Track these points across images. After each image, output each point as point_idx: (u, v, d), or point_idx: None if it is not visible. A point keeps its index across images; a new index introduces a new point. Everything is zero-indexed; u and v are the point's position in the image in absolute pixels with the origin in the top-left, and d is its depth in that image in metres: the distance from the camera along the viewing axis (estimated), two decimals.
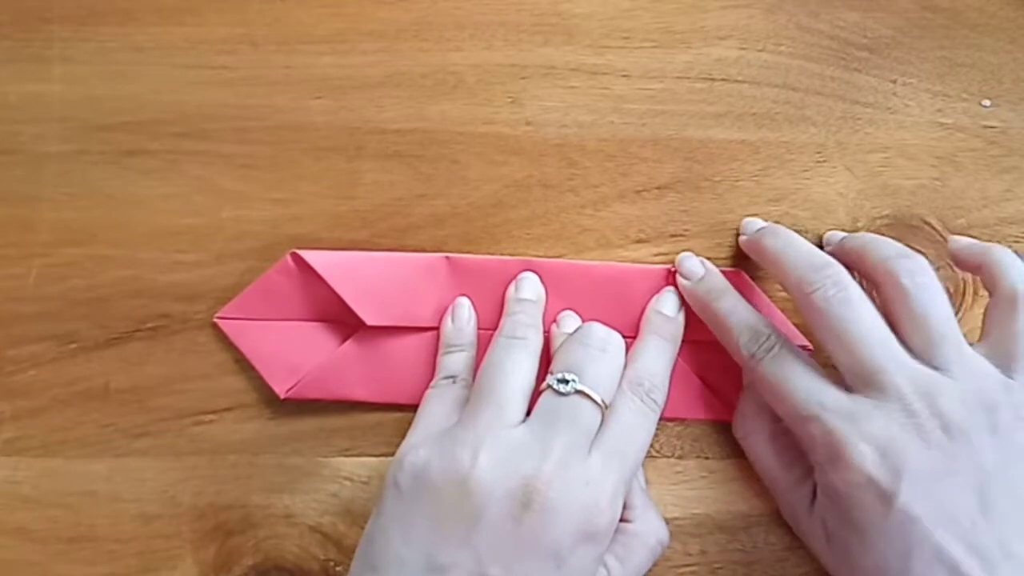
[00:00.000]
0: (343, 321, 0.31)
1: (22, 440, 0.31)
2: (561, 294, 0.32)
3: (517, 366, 0.27)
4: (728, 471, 0.31)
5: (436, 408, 0.28)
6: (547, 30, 0.35)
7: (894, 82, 0.35)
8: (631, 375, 0.28)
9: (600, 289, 0.32)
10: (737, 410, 0.31)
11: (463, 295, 0.32)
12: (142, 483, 0.31)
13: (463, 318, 0.31)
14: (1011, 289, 0.27)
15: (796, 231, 0.33)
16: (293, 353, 0.31)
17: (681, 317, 0.31)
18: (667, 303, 0.31)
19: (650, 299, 0.32)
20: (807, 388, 0.27)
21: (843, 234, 0.32)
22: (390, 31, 0.35)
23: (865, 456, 0.25)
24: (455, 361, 0.30)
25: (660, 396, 0.28)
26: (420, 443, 0.26)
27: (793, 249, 0.29)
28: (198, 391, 0.32)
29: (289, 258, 0.32)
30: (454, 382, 0.29)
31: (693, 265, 0.31)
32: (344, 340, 0.32)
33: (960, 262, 0.30)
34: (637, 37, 0.35)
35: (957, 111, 0.35)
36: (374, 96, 0.34)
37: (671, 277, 0.32)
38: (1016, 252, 0.33)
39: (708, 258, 0.33)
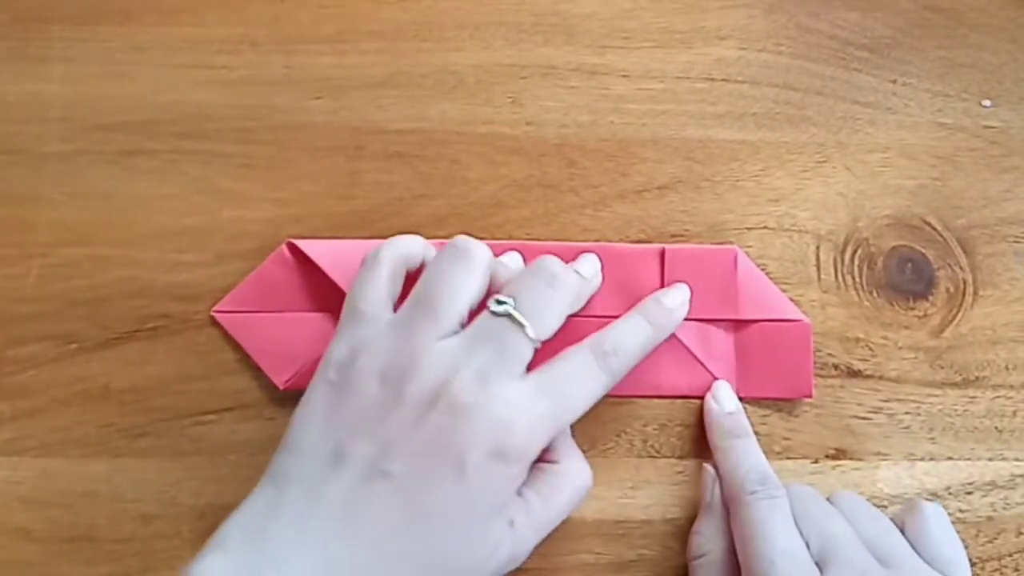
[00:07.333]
0: (341, 310, 0.31)
1: (22, 440, 0.31)
2: None
3: (461, 282, 0.26)
4: None
5: (371, 286, 0.27)
6: (547, 30, 0.35)
7: (894, 82, 0.35)
8: (597, 336, 0.27)
9: (606, 270, 0.31)
10: (695, 528, 0.30)
11: None
12: (142, 483, 0.31)
13: None
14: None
15: (796, 231, 0.33)
16: (291, 344, 0.31)
17: (680, 312, 0.30)
18: (671, 296, 0.31)
19: (656, 278, 0.31)
20: (785, 539, 0.27)
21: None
22: (390, 31, 0.35)
23: None
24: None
25: (617, 363, 0.27)
26: (350, 337, 0.26)
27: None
28: (198, 391, 0.31)
29: (285, 248, 0.32)
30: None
31: (728, 396, 0.31)
32: None
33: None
34: (637, 37, 0.35)
35: (957, 111, 0.35)
36: (374, 96, 0.34)
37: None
38: (1017, 252, 0.33)
39: None
